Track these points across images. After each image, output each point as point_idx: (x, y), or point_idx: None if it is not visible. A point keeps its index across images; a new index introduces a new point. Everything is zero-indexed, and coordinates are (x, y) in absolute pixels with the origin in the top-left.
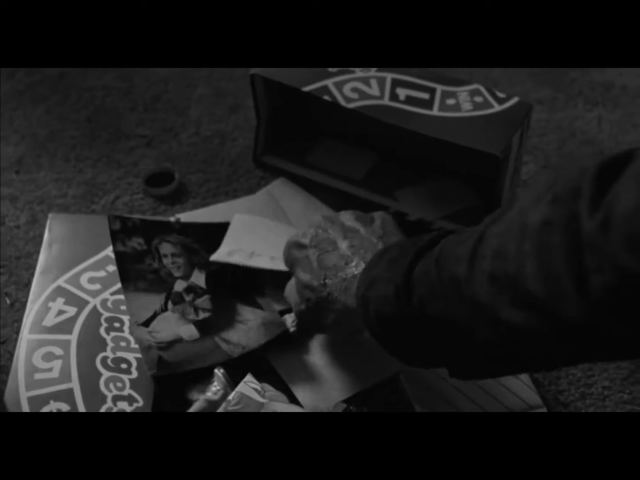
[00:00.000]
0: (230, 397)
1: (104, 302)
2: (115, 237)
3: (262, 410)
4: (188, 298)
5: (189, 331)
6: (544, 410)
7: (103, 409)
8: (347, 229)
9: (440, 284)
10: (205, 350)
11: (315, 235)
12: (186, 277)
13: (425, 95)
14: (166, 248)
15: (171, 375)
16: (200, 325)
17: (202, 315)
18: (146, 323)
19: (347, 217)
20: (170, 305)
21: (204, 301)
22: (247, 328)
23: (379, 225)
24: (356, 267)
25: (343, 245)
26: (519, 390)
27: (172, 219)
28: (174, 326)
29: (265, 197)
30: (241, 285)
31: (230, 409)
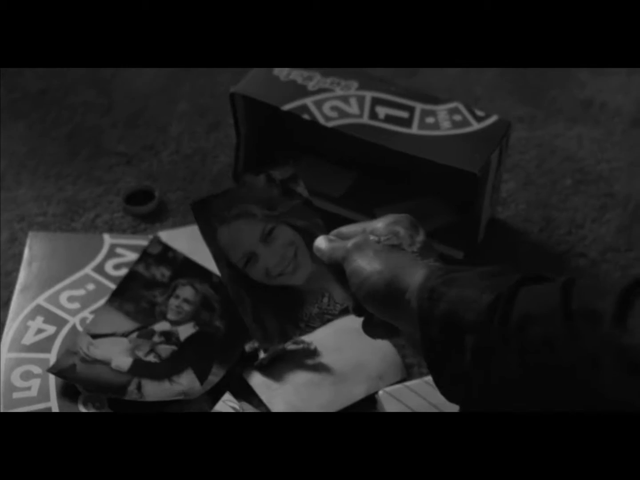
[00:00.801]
0: None
1: (83, 321)
2: (144, 259)
3: None
4: (156, 339)
5: (122, 363)
6: None
7: None
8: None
9: (566, 313)
10: (112, 383)
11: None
12: (176, 323)
13: (404, 114)
14: (186, 292)
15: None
16: (137, 364)
17: (150, 358)
18: (95, 336)
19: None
20: (133, 335)
21: (165, 350)
22: (169, 388)
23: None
24: (440, 267)
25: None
26: None
27: (150, 236)
28: (115, 352)
29: None
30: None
31: None
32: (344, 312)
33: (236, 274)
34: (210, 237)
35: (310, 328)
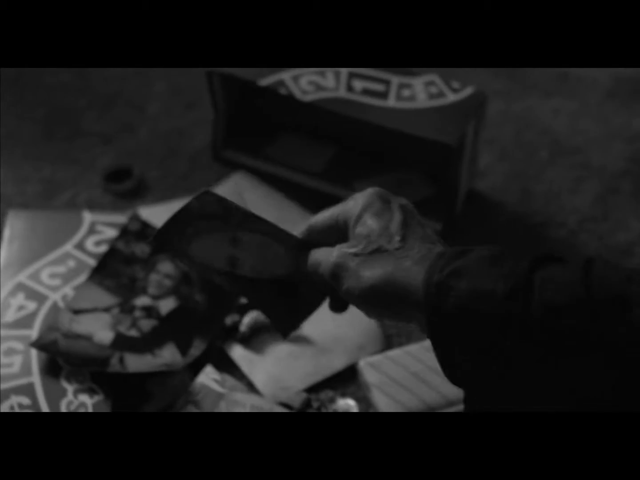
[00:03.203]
0: (190, 388)
1: (64, 297)
2: (124, 236)
3: (222, 401)
4: (137, 314)
5: (104, 337)
6: None
7: (64, 402)
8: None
9: (591, 300)
10: (95, 356)
11: (404, 204)
12: (156, 298)
13: (381, 87)
14: (166, 266)
15: (47, 352)
16: (119, 338)
17: (132, 332)
18: (77, 311)
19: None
20: (115, 310)
21: (146, 324)
22: (152, 361)
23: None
24: (438, 253)
25: (429, 229)
26: None
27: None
28: (97, 327)
29: (227, 189)
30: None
31: (191, 399)
32: None
33: (230, 276)
34: (187, 260)
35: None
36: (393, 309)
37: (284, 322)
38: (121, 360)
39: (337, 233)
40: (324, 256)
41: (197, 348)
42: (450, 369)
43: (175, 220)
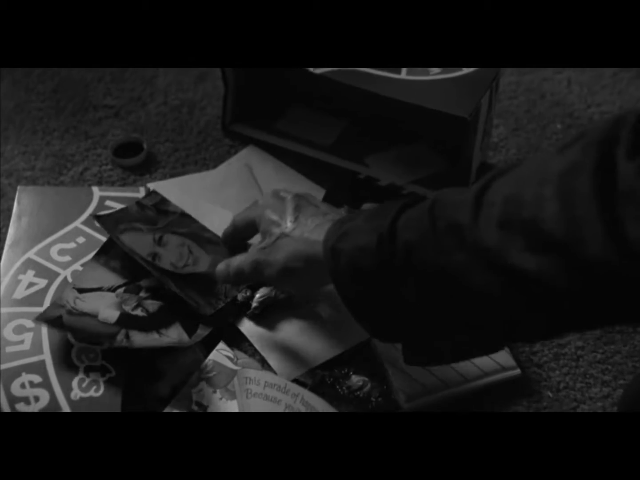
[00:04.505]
0: (203, 364)
1: (74, 274)
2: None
3: (235, 377)
4: (143, 294)
5: (109, 316)
6: (518, 371)
7: (75, 380)
8: (328, 205)
9: (434, 231)
10: (102, 333)
11: (299, 194)
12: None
13: None
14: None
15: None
16: (124, 317)
17: (137, 312)
18: (82, 290)
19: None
20: (120, 290)
21: (152, 304)
22: (158, 339)
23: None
24: (333, 218)
25: (324, 206)
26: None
27: (142, 189)
28: (102, 305)
29: (237, 164)
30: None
31: (204, 376)
32: None
33: (152, 266)
34: (119, 242)
35: (231, 297)
36: (310, 280)
37: (200, 307)
38: (127, 337)
39: (252, 230)
40: (242, 261)
41: (203, 329)
42: (362, 322)
43: (112, 215)
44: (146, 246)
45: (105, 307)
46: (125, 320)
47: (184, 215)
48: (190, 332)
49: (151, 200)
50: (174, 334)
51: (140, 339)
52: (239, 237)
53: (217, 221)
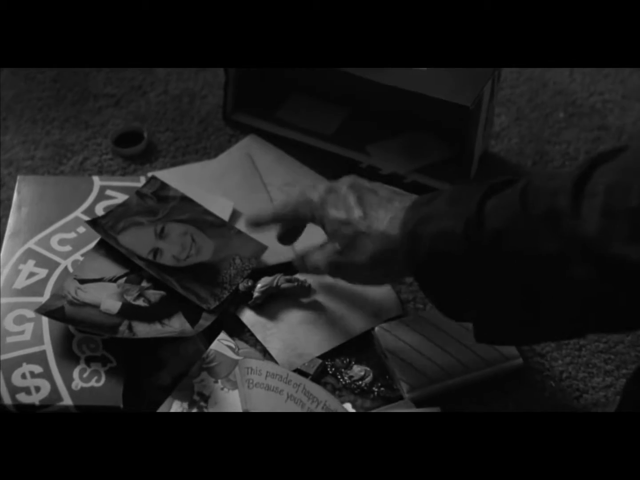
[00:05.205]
0: (204, 354)
1: (75, 264)
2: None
3: (236, 367)
4: (144, 285)
5: (111, 306)
6: (520, 361)
7: (76, 370)
8: (382, 185)
9: (527, 218)
10: (105, 324)
11: (353, 183)
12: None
13: None
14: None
15: (54, 318)
16: (126, 307)
17: (139, 302)
18: (83, 281)
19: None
20: (121, 280)
21: (154, 295)
22: (161, 329)
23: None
24: (401, 203)
25: (383, 190)
26: None
27: (142, 177)
28: (104, 296)
29: (238, 153)
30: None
31: (205, 366)
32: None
33: (150, 263)
34: (115, 243)
35: (235, 284)
36: (395, 275)
37: (201, 299)
38: (130, 328)
39: (295, 220)
40: (319, 260)
41: (206, 319)
42: (442, 308)
43: (109, 215)
44: (147, 242)
45: (107, 298)
46: (128, 311)
47: (184, 199)
48: (192, 321)
49: (151, 188)
50: (177, 324)
51: (143, 329)
52: (291, 222)
53: (219, 210)
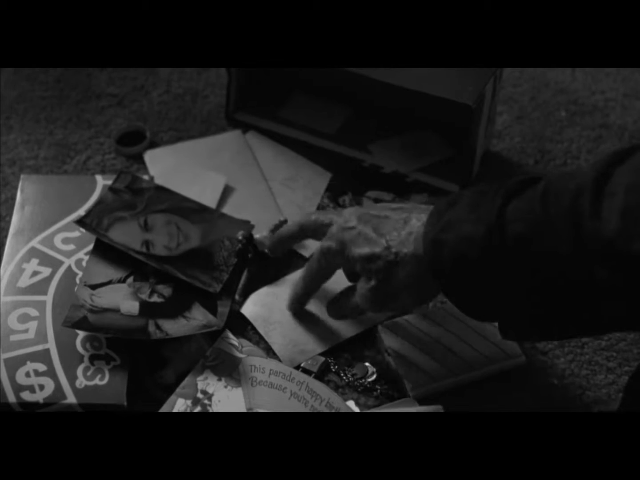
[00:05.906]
0: (207, 353)
1: (78, 262)
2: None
3: (240, 365)
4: (152, 280)
5: (130, 307)
6: (523, 359)
7: (80, 369)
8: (387, 207)
9: (548, 221)
10: (131, 327)
11: (360, 215)
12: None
13: None
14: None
15: (82, 329)
16: (145, 306)
17: (154, 299)
18: (94, 286)
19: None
20: (130, 279)
21: (164, 288)
22: (187, 324)
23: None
24: (418, 220)
25: (394, 214)
26: (498, 340)
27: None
28: (119, 298)
29: (233, 133)
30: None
31: (209, 364)
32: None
33: (148, 255)
34: (109, 240)
35: (231, 265)
36: (431, 293)
37: (205, 284)
38: (159, 327)
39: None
40: (358, 301)
41: (224, 305)
42: (467, 311)
43: (93, 212)
44: (136, 236)
45: (124, 299)
46: (147, 310)
47: (159, 189)
48: (211, 309)
49: (123, 182)
50: (199, 316)
51: (171, 327)
52: (295, 240)
53: (211, 186)
